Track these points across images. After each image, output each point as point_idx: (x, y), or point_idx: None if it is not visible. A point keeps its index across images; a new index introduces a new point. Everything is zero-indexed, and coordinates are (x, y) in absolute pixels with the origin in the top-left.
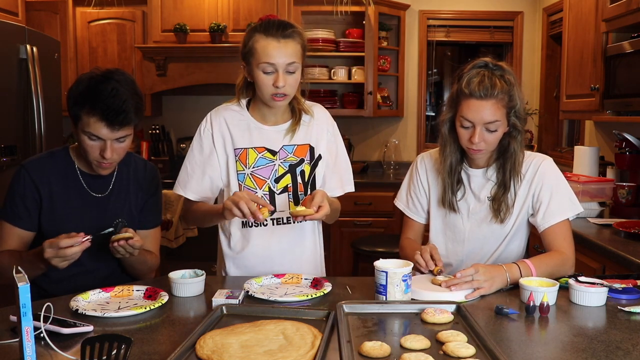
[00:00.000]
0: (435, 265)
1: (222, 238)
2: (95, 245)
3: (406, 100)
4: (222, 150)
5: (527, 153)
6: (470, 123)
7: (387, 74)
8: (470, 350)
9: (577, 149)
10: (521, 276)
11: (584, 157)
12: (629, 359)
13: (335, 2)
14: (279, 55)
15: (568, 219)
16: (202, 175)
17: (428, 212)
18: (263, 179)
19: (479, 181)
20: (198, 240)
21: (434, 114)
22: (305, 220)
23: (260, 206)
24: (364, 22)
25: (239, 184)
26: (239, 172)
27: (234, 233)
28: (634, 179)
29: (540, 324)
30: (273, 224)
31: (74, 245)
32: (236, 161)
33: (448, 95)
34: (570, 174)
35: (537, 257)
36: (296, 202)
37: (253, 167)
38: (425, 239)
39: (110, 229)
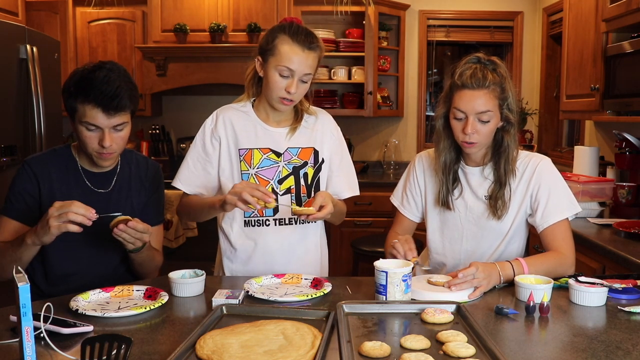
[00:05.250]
0: (412, 255)
1: (222, 238)
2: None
3: (406, 100)
4: (225, 149)
5: (525, 153)
6: (463, 114)
7: (387, 74)
8: (470, 350)
9: (577, 149)
10: (514, 275)
11: (584, 157)
12: (629, 359)
13: (335, 2)
14: (300, 64)
15: (567, 218)
16: (202, 171)
17: (422, 212)
18: (267, 179)
19: (477, 179)
20: (198, 240)
21: (433, 113)
22: (308, 220)
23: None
24: (364, 22)
25: None
26: (243, 172)
27: (235, 232)
28: (634, 179)
29: (540, 324)
30: (276, 224)
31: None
32: (240, 161)
33: (442, 92)
34: (570, 174)
35: (532, 257)
36: (299, 203)
37: (257, 168)
38: (422, 238)
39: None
